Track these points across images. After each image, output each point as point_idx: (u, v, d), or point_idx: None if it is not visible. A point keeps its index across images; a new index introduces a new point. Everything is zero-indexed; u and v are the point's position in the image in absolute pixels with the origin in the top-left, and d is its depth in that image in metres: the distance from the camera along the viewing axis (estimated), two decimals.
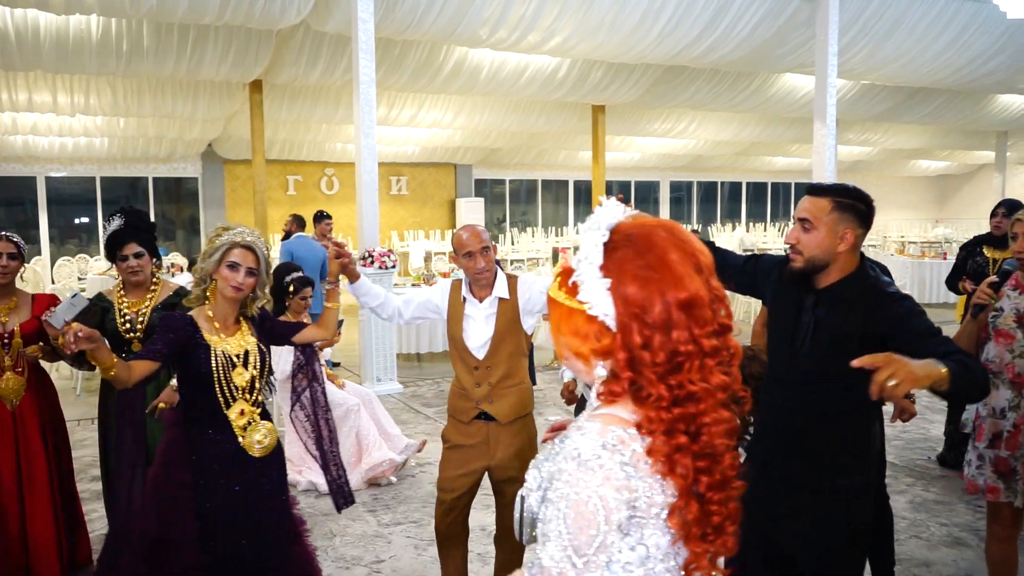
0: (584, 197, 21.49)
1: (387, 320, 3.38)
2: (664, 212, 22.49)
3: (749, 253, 2.59)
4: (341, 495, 3.25)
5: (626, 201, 1.99)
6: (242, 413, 2.72)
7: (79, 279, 11.54)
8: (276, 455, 2.85)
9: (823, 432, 2.29)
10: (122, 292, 3.47)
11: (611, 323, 1.27)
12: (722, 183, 23.23)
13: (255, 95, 11.46)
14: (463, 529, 3.28)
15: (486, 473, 3.22)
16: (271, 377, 2.93)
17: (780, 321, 2.39)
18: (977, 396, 2.13)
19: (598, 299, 1.27)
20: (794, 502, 2.32)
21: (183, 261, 13.37)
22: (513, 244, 17.45)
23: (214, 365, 2.67)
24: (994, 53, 11.57)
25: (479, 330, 3.13)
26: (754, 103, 13.57)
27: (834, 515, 2.29)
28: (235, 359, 2.72)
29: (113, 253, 3.41)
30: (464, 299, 3.16)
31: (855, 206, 2.29)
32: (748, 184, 23.69)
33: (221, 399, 2.69)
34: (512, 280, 3.18)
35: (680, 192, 22.95)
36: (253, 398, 2.75)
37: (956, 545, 4.05)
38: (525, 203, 21.39)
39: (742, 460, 2.63)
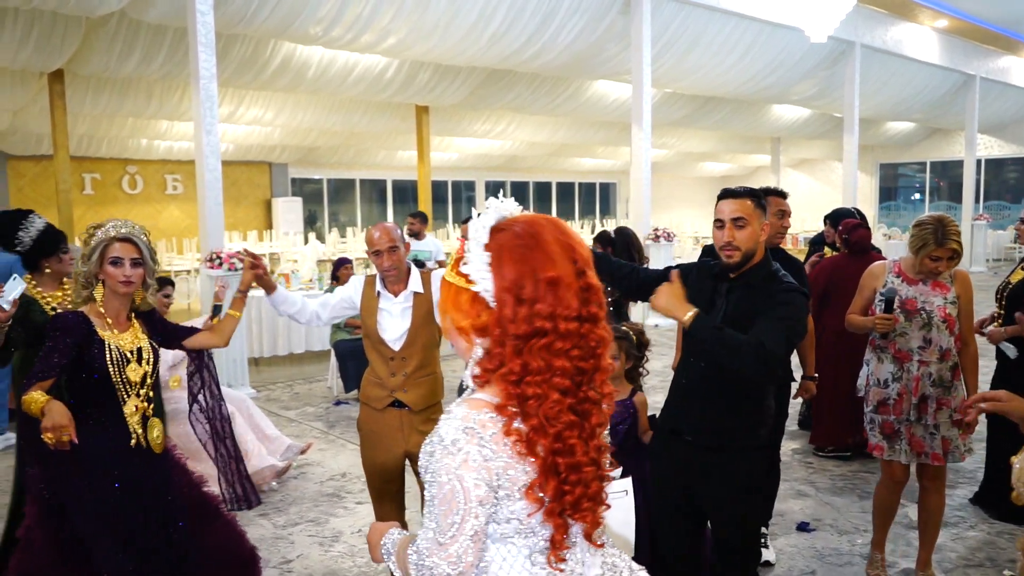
0: (400, 196, 21.54)
1: (305, 324, 3.47)
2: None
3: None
4: (237, 500, 3.21)
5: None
6: (136, 409, 2.71)
7: None
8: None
9: (726, 402, 2.67)
10: (35, 286, 3.47)
11: (490, 299, 1.39)
12: (533, 183, 24.20)
13: (56, 86, 10.49)
14: (400, 508, 3.40)
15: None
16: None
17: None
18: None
19: (480, 275, 1.39)
20: (704, 460, 2.68)
21: None
22: (339, 243, 17.17)
23: (109, 360, 2.65)
24: (772, 70, 13.14)
25: (395, 323, 3.24)
26: (570, 107, 14.37)
27: (736, 471, 2.67)
28: (129, 355, 2.71)
29: (54, 248, 3.52)
30: (378, 293, 3.26)
31: (763, 203, 2.69)
32: (557, 184, 24.85)
33: (118, 395, 2.66)
34: (426, 275, 3.32)
35: (489, 193, 23.63)
36: (145, 394, 2.74)
37: (799, 496, 4.69)
38: (342, 203, 21.07)
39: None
